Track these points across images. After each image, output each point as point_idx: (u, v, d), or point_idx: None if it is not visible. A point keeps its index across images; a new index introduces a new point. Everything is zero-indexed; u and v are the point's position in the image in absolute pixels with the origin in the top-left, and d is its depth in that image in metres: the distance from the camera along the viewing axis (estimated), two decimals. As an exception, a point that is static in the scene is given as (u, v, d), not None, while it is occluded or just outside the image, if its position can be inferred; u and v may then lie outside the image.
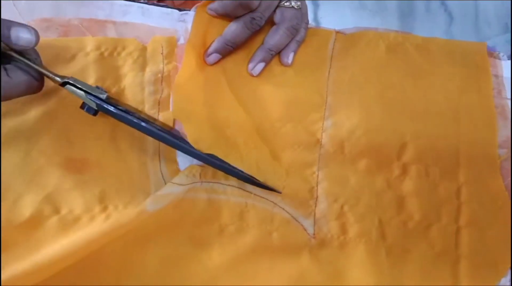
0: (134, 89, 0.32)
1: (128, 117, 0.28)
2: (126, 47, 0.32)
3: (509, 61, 0.37)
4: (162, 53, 0.33)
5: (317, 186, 0.31)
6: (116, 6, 0.34)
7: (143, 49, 0.33)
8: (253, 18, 0.31)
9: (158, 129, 0.28)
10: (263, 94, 0.33)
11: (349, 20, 1.10)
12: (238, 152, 0.30)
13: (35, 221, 0.29)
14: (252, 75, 0.33)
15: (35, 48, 0.27)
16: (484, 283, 0.29)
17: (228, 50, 0.32)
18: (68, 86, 0.28)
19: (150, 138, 0.31)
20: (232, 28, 0.32)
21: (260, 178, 0.30)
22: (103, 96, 0.28)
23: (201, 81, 0.32)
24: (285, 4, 0.33)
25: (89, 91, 0.28)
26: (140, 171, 0.31)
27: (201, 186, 0.30)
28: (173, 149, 0.31)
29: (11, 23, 0.25)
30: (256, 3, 0.31)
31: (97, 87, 0.29)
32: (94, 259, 0.29)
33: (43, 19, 0.33)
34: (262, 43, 0.33)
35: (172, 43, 0.33)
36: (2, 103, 0.30)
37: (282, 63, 0.33)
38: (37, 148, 0.30)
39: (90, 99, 0.28)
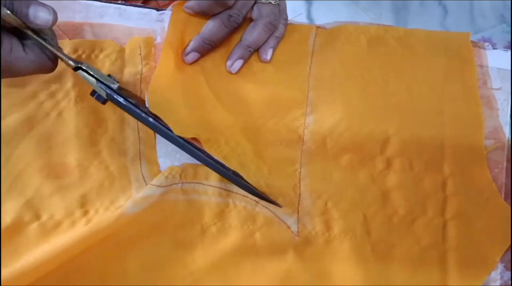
0: None
1: (137, 111, 0.28)
2: (104, 49, 0.32)
3: (494, 51, 0.36)
4: (140, 54, 0.32)
5: (299, 183, 0.31)
6: (92, 8, 0.34)
7: (121, 50, 0.32)
8: (230, 15, 0.31)
9: (165, 127, 0.28)
10: (244, 92, 0.33)
11: (343, 16, 1.10)
12: (219, 150, 0.30)
13: (16, 228, 0.29)
14: (230, 73, 0.33)
15: (52, 28, 0.27)
16: (473, 277, 0.29)
17: (207, 48, 0.32)
18: (80, 71, 0.28)
19: (130, 141, 0.31)
20: (210, 26, 0.32)
21: (243, 175, 0.30)
22: (114, 86, 0.28)
23: (179, 81, 0.32)
24: (262, 0, 0.32)
25: (100, 79, 0.28)
26: (121, 174, 0.31)
27: (182, 187, 0.30)
28: (154, 151, 0.31)
29: (30, 1, 0.25)
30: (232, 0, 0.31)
31: (109, 76, 0.29)
32: (76, 265, 0.28)
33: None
34: (240, 40, 0.33)
35: (150, 43, 0.33)
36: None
37: (261, 60, 0.33)
38: (17, 154, 0.30)
39: (101, 88, 0.28)
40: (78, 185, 0.30)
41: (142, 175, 0.31)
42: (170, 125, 0.28)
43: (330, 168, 0.31)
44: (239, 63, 0.32)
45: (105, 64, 0.32)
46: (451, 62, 0.34)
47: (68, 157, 0.30)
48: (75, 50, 0.32)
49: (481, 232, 0.30)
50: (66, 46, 0.32)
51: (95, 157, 0.31)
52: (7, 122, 0.31)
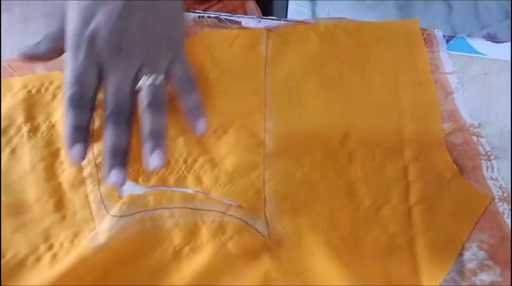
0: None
1: None
2: (53, 81, 0.34)
3: (442, 35, 0.39)
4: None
5: (264, 186, 0.33)
6: None
7: (71, 81, 0.34)
8: None
9: None
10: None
11: (348, 15, 1.13)
12: (175, 172, 0.33)
13: None
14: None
15: None
16: (443, 258, 0.30)
17: None
18: None
19: (87, 170, 0.32)
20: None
21: (204, 190, 0.32)
22: None
23: None
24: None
25: None
26: (82, 205, 0.32)
27: (146, 215, 0.31)
28: None
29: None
30: None
31: None
32: None
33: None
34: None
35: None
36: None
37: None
38: None
39: None
40: (40, 220, 0.31)
41: (103, 204, 0.32)
42: None
43: (294, 168, 0.33)
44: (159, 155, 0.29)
45: (56, 97, 0.34)
46: (402, 51, 0.37)
47: (26, 193, 0.32)
48: (25, 86, 0.34)
49: (446, 214, 0.31)
50: (16, 83, 0.34)
51: (55, 190, 0.32)
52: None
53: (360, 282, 0.29)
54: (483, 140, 0.34)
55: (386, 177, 0.32)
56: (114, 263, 0.30)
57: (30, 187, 0.32)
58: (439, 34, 0.39)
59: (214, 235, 0.31)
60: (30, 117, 0.33)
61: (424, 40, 0.38)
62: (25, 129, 0.33)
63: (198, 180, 0.32)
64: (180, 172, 0.33)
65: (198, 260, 0.31)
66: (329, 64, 0.36)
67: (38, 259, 0.30)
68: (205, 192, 0.32)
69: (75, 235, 0.31)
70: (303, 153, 0.33)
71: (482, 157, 0.34)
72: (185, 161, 0.33)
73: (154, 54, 0.30)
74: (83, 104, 0.28)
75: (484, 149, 0.34)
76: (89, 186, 0.32)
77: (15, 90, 0.34)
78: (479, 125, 0.35)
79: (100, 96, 0.34)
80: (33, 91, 0.34)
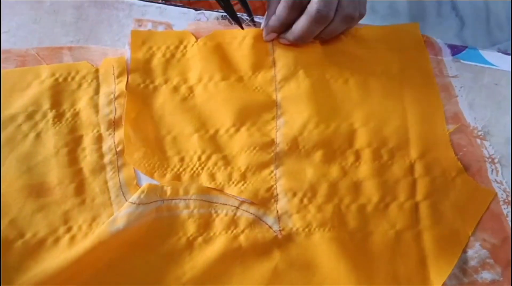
0: (88, 112, 0.35)
1: None
2: (79, 71, 0.36)
3: (443, 42, 0.41)
4: (113, 74, 0.36)
5: (275, 184, 0.34)
6: (134, 7, 0.38)
7: (96, 71, 0.36)
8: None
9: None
10: (215, 107, 0.36)
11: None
12: (192, 169, 0.34)
13: (2, 246, 0.31)
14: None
15: None
16: (449, 252, 0.32)
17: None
18: None
19: (108, 157, 0.34)
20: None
21: (213, 186, 0.34)
22: None
23: (149, 109, 0.36)
24: None
25: None
26: (100, 190, 0.33)
27: (163, 205, 0.33)
28: (131, 166, 0.34)
29: None
30: None
31: None
32: None
33: (3, 51, 0.37)
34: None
35: (122, 63, 0.37)
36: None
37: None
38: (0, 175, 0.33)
39: None
40: (60, 203, 0.33)
41: (122, 191, 0.34)
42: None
43: (304, 166, 0.34)
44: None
45: (82, 86, 0.36)
46: (405, 53, 0.39)
47: (48, 176, 0.33)
48: (52, 74, 0.36)
49: (451, 209, 0.33)
50: (44, 71, 0.36)
51: (76, 175, 0.34)
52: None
53: (367, 279, 0.31)
54: (486, 143, 0.36)
55: (393, 175, 0.34)
56: (130, 248, 0.32)
57: (52, 170, 0.34)
58: (439, 40, 0.41)
59: (226, 228, 0.33)
60: (56, 104, 0.35)
61: (425, 44, 0.40)
62: (50, 115, 0.35)
63: (212, 177, 0.34)
64: (195, 169, 0.34)
65: (210, 251, 0.32)
66: (335, 65, 0.38)
67: (56, 240, 0.32)
68: (218, 189, 0.34)
69: (93, 219, 0.33)
70: (312, 152, 0.35)
71: (486, 159, 0.36)
72: (199, 158, 0.35)
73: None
74: (298, 7, 0.36)
75: (488, 152, 0.36)
76: (109, 173, 0.34)
77: (42, 77, 0.36)
78: (482, 128, 0.37)
79: (121, 86, 0.36)
80: (60, 79, 0.36)
